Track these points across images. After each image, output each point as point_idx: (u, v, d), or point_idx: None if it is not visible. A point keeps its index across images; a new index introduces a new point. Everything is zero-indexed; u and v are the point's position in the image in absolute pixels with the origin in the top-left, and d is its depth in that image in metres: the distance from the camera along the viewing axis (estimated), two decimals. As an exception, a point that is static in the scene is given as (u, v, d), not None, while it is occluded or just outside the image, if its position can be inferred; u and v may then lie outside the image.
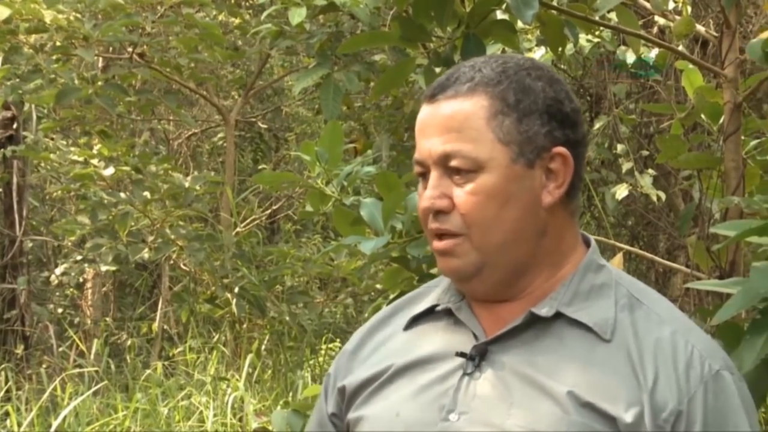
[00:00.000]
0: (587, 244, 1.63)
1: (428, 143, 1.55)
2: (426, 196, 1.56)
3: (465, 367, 1.55)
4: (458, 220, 1.54)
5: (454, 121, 1.54)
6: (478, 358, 1.55)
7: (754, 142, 3.39)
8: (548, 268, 1.58)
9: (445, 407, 1.53)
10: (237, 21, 7.58)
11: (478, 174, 1.53)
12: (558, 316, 1.55)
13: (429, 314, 1.65)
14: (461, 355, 1.56)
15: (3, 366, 6.69)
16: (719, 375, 1.50)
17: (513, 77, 1.55)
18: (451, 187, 1.54)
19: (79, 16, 6.19)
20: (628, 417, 1.46)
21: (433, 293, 1.67)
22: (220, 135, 9.42)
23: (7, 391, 6.25)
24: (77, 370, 6.77)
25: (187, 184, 6.69)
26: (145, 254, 6.72)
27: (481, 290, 1.58)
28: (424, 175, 1.58)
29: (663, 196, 5.87)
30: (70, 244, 7.76)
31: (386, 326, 1.70)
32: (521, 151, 1.53)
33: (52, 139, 7.13)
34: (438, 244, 1.57)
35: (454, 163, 1.53)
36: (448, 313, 1.62)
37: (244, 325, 7.10)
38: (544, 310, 1.55)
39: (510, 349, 1.54)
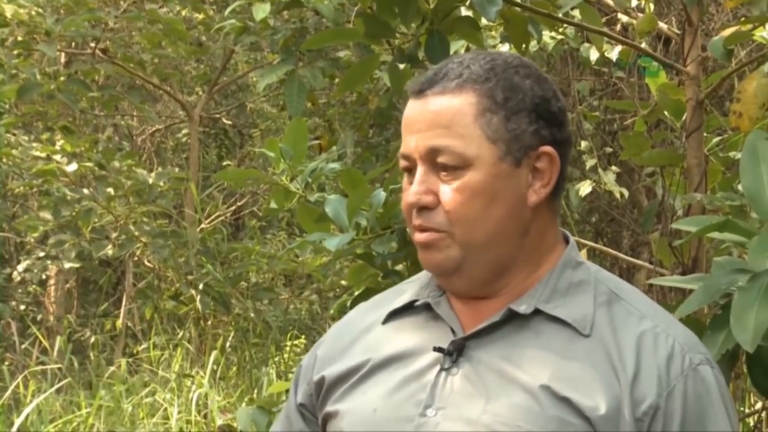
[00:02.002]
0: (566, 240, 1.64)
1: (415, 138, 1.55)
2: (411, 192, 1.55)
3: (442, 362, 1.55)
4: (443, 217, 1.54)
5: (442, 117, 1.53)
6: (455, 353, 1.55)
7: (716, 139, 3.42)
8: (528, 266, 1.58)
9: (422, 402, 1.53)
10: (201, 17, 7.55)
11: (464, 171, 1.52)
12: (536, 312, 1.55)
13: (408, 309, 1.65)
14: (438, 350, 1.56)
15: (-36, 364, 6.64)
16: (699, 368, 1.52)
17: (501, 75, 1.55)
18: (437, 183, 1.54)
19: (40, 10, 6.14)
20: (605, 412, 1.46)
21: (413, 288, 1.67)
22: (184, 131, 9.38)
23: (-31, 389, 6.20)
24: (40, 367, 6.73)
25: (151, 181, 6.66)
26: (109, 251, 6.69)
27: (461, 286, 1.58)
28: (410, 170, 1.57)
29: (626, 192, 5.91)
30: (32, 240, 7.69)
31: (365, 320, 1.69)
32: (508, 150, 1.53)
33: (14, 134, 7.06)
34: (420, 237, 1.56)
35: (441, 159, 1.53)
36: (427, 308, 1.62)
37: (209, 322, 7.08)
38: (523, 307, 1.55)
39: (487, 344, 1.55)
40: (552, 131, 1.56)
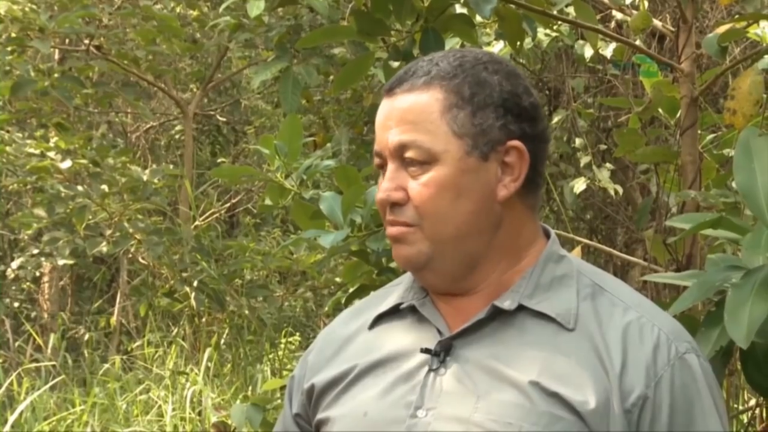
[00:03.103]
0: (547, 235, 1.65)
1: (385, 135, 1.57)
2: (382, 188, 1.57)
3: (430, 363, 1.56)
4: (412, 211, 1.56)
5: (409, 113, 1.55)
6: (442, 353, 1.56)
7: (710, 137, 3.42)
8: (505, 260, 1.59)
9: (412, 404, 1.54)
10: (195, 13, 7.54)
11: (432, 166, 1.54)
12: (520, 308, 1.56)
13: (394, 313, 1.66)
14: (426, 351, 1.56)
15: (-42, 361, 6.63)
16: (686, 357, 1.52)
17: (469, 71, 1.57)
18: (407, 179, 1.56)
19: (34, 7, 6.13)
20: (594, 406, 1.47)
21: (397, 292, 1.68)
22: (179, 128, 9.37)
23: (-37, 386, 6.19)
24: (34, 364, 6.72)
25: (145, 178, 6.65)
26: (103, 248, 6.68)
27: (433, 281, 1.60)
28: (383, 168, 1.59)
29: (621, 189, 5.91)
30: (26, 237, 7.68)
31: (350, 326, 1.70)
32: (475, 144, 1.55)
33: (8, 131, 7.05)
34: (391, 230, 1.58)
35: (409, 154, 1.55)
36: (412, 310, 1.63)
37: (203, 319, 7.07)
38: (507, 303, 1.56)
39: (474, 343, 1.55)
40: (522, 126, 1.57)
